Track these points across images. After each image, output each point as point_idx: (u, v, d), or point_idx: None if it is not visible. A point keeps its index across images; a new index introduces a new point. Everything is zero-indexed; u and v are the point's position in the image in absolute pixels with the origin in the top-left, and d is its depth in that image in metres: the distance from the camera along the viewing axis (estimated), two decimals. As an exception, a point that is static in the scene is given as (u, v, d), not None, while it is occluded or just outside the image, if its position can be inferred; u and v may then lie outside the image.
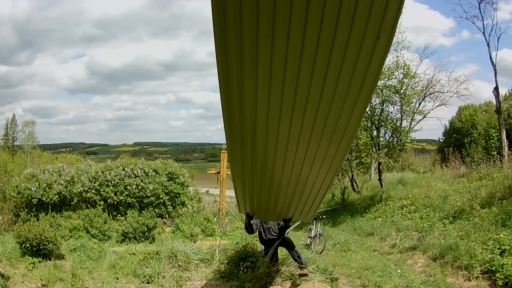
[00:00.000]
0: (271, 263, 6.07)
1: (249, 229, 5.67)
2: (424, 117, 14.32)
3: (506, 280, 5.52)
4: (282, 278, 6.13)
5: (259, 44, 1.85)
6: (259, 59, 1.92)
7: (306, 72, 2.00)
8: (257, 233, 6.21)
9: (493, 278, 5.76)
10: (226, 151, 13.91)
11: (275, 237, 6.01)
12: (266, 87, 2.11)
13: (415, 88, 14.11)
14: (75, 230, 10.76)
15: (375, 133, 14.38)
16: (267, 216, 4.89)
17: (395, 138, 14.20)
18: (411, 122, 14.14)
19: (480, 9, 12.60)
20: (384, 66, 13.62)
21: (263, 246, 6.39)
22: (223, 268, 6.47)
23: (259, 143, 2.65)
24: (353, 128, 2.48)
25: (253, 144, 2.67)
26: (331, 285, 6.29)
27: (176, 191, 13.50)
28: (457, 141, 16.53)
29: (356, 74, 2.06)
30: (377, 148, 14.57)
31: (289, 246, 6.08)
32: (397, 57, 13.86)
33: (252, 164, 3.02)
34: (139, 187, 12.96)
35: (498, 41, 13.95)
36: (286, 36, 1.82)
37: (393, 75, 13.76)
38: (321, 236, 9.68)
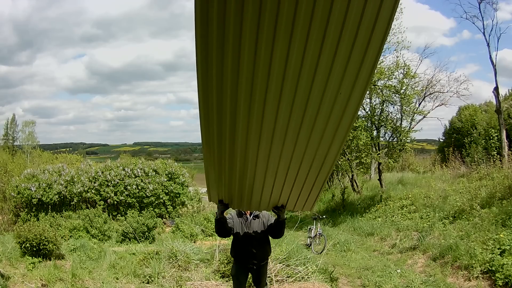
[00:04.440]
0: None
1: (221, 227, 3.82)
2: (424, 117, 14.34)
3: (506, 280, 5.52)
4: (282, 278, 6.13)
5: (243, 41, 1.83)
6: (242, 56, 1.90)
7: (294, 68, 1.96)
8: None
9: (493, 278, 5.75)
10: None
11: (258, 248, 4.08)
12: (248, 91, 2.05)
13: (415, 88, 14.12)
14: (75, 230, 10.77)
15: (375, 133, 14.38)
16: (250, 205, 3.37)
17: (395, 138, 14.21)
18: (411, 122, 14.15)
19: (480, 9, 12.63)
20: (384, 66, 13.71)
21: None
22: (223, 268, 6.47)
23: (239, 134, 2.34)
24: (350, 117, 2.26)
25: (231, 137, 2.37)
26: (331, 285, 6.29)
27: (176, 191, 13.50)
28: (457, 141, 16.54)
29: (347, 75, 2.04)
30: (377, 148, 14.57)
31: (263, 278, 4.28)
32: (397, 57, 13.88)
33: (230, 151, 2.53)
34: (139, 187, 12.97)
35: (498, 41, 14.01)
36: (272, 41, 1.80)
37: (393, 75, 13.76)
38: (321, 236, 9.67)
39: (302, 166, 2.72)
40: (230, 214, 4.17)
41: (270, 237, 4.20)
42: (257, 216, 4.08)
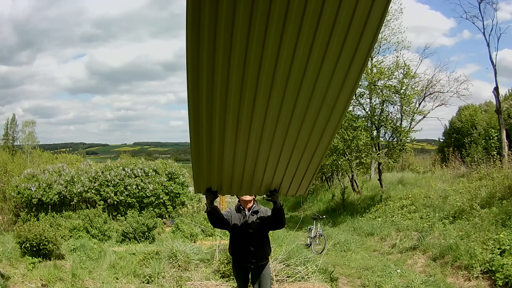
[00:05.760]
0: None
1: (214, 218, 3.62)
2: (424, 117, 14.35)
3: (506, 280, 5.52)
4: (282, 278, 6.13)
5: (234, 39, 1.85)
6: (232, 51, 1.90)
7: (284, 66, 1.99)
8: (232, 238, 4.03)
9: (493, 278, 5.76)
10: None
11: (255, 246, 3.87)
12: (239, 79, 2.04)
13: (415, 88, 14.13)
14: (75, 230, 10.76)
15: (375, 133, 14.39)
16: (241, 190, 3.26)
17: (395, 138, 14.21)
18: (411, 122, 14.15)
19: (480, 9, 12.62)
20: (384, 66, 13.71)
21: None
22: (223, 268, 6.47)
23: (230, 113, 2.28)
24: (344, 102, 2.27)
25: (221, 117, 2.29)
26: (331, 285, 6.29)
27: (176, 191, 13.50)
28: (457, 141, 16.54)
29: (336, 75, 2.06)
30: (377, 148, 14.57)
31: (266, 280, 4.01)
32: (397, 57, 13.89)
33: (219, 136, 2.47)
34: (139, 187, 12.96)
35: (498, 41, 14.00)
36: (263, 37, 1.83)
37: (393, 75, 13.77)
38: (321, 236, 9.68)
39: (296, 149, 2.68)
40: (229, 208, 4.04)
41: (270, 236, 4.08)
42: (255, 212, 3.94)
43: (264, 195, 3.38)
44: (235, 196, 3.74)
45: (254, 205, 3.98)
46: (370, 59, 12.41)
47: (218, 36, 1.83)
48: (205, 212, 3.65)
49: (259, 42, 1.85)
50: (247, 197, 3.91)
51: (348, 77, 2.10)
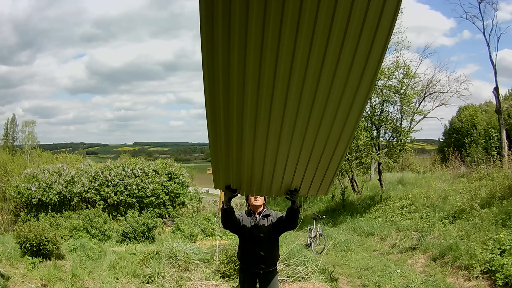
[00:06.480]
0: None
1: (228, 217, 3.57)
2: (424, 117, 14.35)
3: (506, 280, 5.52)
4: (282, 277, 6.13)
5: (248, 38, 1.84)
6: (248, 43, 1.89)
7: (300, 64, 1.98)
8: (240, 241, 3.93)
9: (493, 278, 5.76)
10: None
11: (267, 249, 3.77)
12: (255, 80, 2.03)
13: (415, 88, 14.13)
14: (75, 230, 10.77)
15: (375, 133, 14.39)
16: (261, 190, 3.20)
17: (395, 138, 14.21)
18: (411, 122, 14.15)
19: (480, 9, 12.64)
20: (384, 66, 13.69)
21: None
22: (223, 268, 6.48)
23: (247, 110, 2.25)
24: (361, 102, 2.24)
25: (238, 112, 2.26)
26: (331, 285, 6.29)
27: (176, 191, 13.50)
28: (457, 141, 16.55)
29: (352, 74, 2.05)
30: (377, 148, 14.57)
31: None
32: (397, 57, 13.88)
33: (237, 135, 2.44)
34: (139, 187, 12.97)
35: (498, 41, 14.01)
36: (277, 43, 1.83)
37: (393, 75, 13.77)
38: (321, 236, 9.68)
39: (315, 150, 2.64)
40: (240, 212, 3.95)
41: (279, 239, 4.00)
42: (266, 216, 3.89)
43: (275, 195, 3.33)
44: (237, 196, 3.62)
45: (265, 209, 3.92)
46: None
47: (232, 36, 1.82)
48: (220, 209, 3.59)
49: (274, 40, 1.84)
50: (258, 202, 3.84)
51: (364, 77, 2.06)
